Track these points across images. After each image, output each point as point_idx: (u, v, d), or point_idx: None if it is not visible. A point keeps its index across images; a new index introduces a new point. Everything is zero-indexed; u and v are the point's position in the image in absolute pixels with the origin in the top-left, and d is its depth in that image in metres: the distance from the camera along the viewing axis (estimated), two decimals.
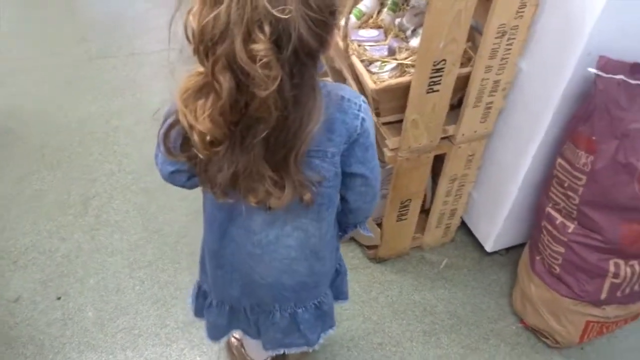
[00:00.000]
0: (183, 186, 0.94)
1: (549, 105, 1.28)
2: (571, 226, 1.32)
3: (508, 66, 1.30)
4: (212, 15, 0.62)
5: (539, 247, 1.44)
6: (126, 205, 1.88)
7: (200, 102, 0.67)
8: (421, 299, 1.65)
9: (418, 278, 1.70)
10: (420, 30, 1.38)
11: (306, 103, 0.71)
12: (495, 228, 1.61)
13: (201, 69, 0.67)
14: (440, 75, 1.24)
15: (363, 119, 0.83)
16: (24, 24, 2.76)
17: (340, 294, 1.20)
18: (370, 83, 1.28)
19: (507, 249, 1.76)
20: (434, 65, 1.21)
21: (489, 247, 1.69)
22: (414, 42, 1.41)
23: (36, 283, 1.64)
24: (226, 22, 0.62)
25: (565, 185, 1.29)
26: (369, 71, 1.34)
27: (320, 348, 1.27)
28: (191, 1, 0.65)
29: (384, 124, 1.38)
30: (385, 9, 1.53)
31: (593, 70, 1.14)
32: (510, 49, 1.27)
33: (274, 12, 0.61)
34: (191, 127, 0.69)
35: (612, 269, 1.31)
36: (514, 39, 1.25)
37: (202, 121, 0.67)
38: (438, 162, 1.53)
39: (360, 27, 1.52)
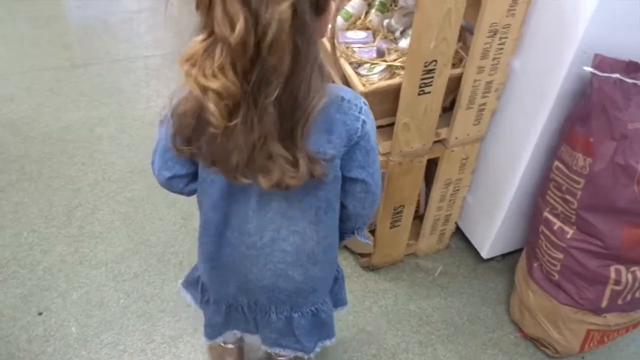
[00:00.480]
0: (181, 192, 0.95)
1: (543, 105, 1.26)
2: (570, 231, 1.29)
3: (500, 66, 1.29)
4: None
5: (537, 253, 1.41)
6: (111, 216, 1.84)
7: (209, 60, 0.67)
8: (416, 308, 1.62)
9: (413, 286, 1.68)
10: (409, 31, 1.37)
11: (315, 58, 0.70)
12: (491, 234, 1.59)
13: (200, 37, 0.67)
14: (432, 77, 1.22)
15: (364, 121, 0.83)
16: (4, 30, 2.72)
17: (338, 300, 1.18)
18: (359, 86, 1.26)
19: (504, 255, 1.74)
20: (425, 66, 1.19)
21: (485, 254, 1.67)
22: (403, 43, 1.39)
23: (16, 298, 1.59)
24: None
25: (563, 189, 1.26)
26: (358, 74, 1.32)
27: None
28: None
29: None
30: (372, 10, 1.50)
31: (588, 69, 1.12)
32: (502, 49, 1.25)
33: None
34: (205, 90, 0.68)
35: (613, 275, 1.28)
36: (506, 38, 1.23)
37: (214, 77, 0.67)
38: (431, 167, 1.51)
39: (347, 28, 1.50)
